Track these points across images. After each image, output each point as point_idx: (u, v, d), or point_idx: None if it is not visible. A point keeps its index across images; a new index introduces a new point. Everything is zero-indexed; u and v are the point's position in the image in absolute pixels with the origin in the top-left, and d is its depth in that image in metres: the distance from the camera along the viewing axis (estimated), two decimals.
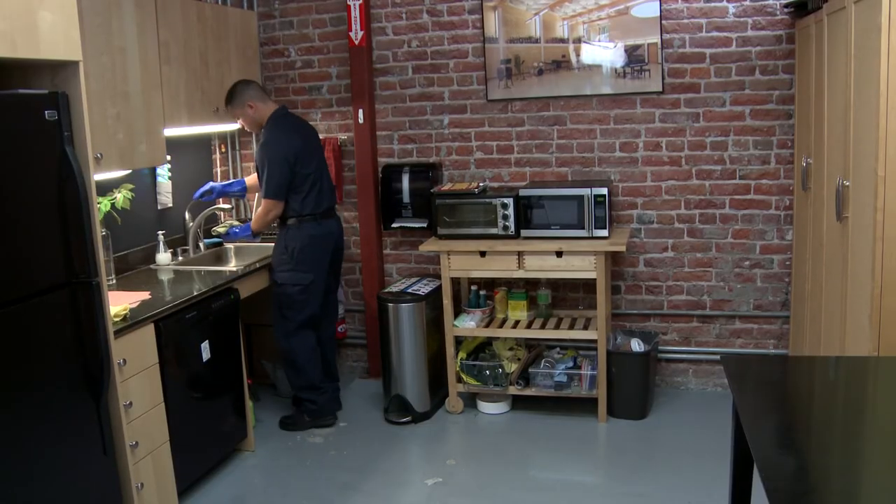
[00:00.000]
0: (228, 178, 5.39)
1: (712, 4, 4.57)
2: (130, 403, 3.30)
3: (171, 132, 4.26)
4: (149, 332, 3.48)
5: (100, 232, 3.16)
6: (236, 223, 4.75)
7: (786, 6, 4.40)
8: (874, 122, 2.76)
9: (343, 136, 5.26)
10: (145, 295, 3.75)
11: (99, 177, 3.50)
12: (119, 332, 3.24)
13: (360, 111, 5.09)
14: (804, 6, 4.06)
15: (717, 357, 4.76)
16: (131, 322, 3.35)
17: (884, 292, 2.79)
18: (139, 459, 3.36)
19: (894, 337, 2.79)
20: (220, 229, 4.71)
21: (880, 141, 2.73)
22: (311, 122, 5.32)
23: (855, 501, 1.85)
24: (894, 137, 2.72)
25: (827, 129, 3.60)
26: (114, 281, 4.01)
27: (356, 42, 5.04)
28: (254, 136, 5.41)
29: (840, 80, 3.31)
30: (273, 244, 4.56)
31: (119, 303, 3.45)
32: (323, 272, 4.52)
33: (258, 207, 4.60)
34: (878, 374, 2.60)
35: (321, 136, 5.24)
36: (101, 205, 3.88)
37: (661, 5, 4.62)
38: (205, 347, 3.88)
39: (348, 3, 5.01)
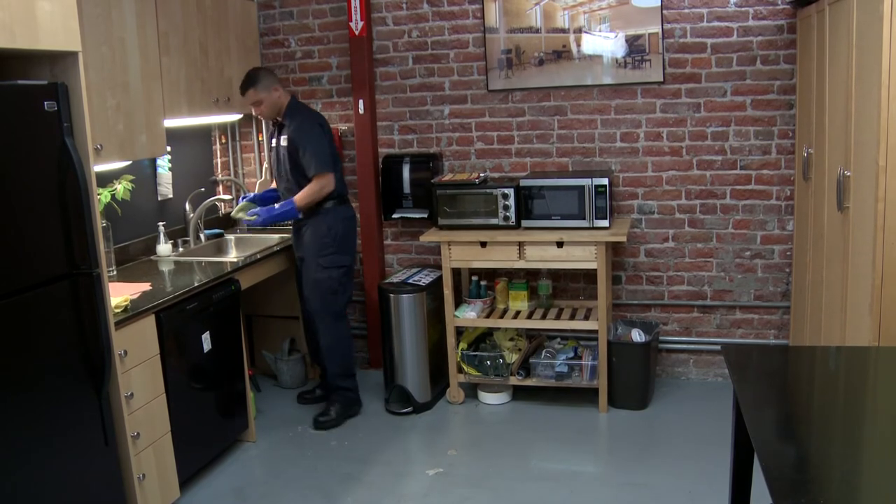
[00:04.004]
0: (228, 169, 5.39)
1: None
2: (132, 394, 3.31)
3: (170, 123, 4.26)
4: (150, 323, 3.48)
5: (100, 223, 3.16)
6: (253, 208, 4.48)
7: None
8: (875, 113, 2.76)
9: (343, 127, 5.25)
10: (146, 286, 3.75)
11: (99, 168, 3.50)
12: (120, 324, 3.24)
13: (361, 102, 5.08)
14: None
15: (718, 347, 4.76)
16: (132, 313, 3.35)
17: (884, 282, 2.80)
18: (140, 450, 3.37)
19: (894, 327, 2.79)
20: (241, 214, 4.50)
21: (881, 131, 2.73)
22: None
23: (855, 490, 1.85)
24: (895, 127, 2.71)
25: (828, 119, 3.60)
26: (114, 272, 4.01)
27: (356, 32, 5.03)
28: (255, 126, 5.41)
29: (841, 70, 3.30)
30: (293, 231, 4.57)
31: (120, 294, 3.46)
32: (354, 256, 4.65)
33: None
34: (878, 363, 2.60)
35: None
36: (102, 196, 3.87)
37: None
38: (206, 338, 3.88)
39: None
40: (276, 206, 4.40)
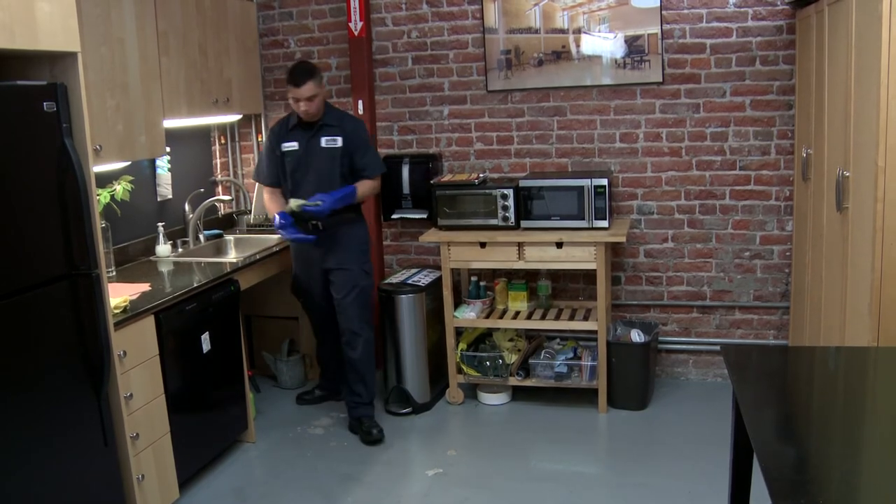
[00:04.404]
0: (227, 170, 5.39)
1: None
2: (131, 395, 3.30)
3: (170, 123, 4.26)
4: (149, 323, 3.48)
5: (99, 224, 3.16)
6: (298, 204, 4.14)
7: None
8: (874, 113, 2.76)
9: None
10: (145, 286, 3.75)
11: (98, 168, 3.50)
12: (119, 324, 3.24)
13: (360, 102, 5.09)
14: None
15: (717, 348, 4.76)
16: (131, 314, 3.35)
17: (884, 283, 2.80)
18: (140, 451, 3.37)
19: (894, 327, 2.79)
20: (299, 203, 4.11)
21: (880, 131, 2.73)
22: None
23: (854, 490, 1.85)
24: (894, 128, 2.72)
25: (827, 120, 3.60)
26: (114, 273, 4.01)
27: (356, 33, 5.03)
28: (255, 127, 5.41)
29: (840, 70, 3.31)
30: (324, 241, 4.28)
31: (119, 294, 3.45)
32: None
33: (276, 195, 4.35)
34: (877, 364, 2.60)
35: None
36: (101, 196, 3.87)
37: None
38: (205, 339, 3.88)
39: None
40: (338, 192, 4.17)
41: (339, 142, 4.22)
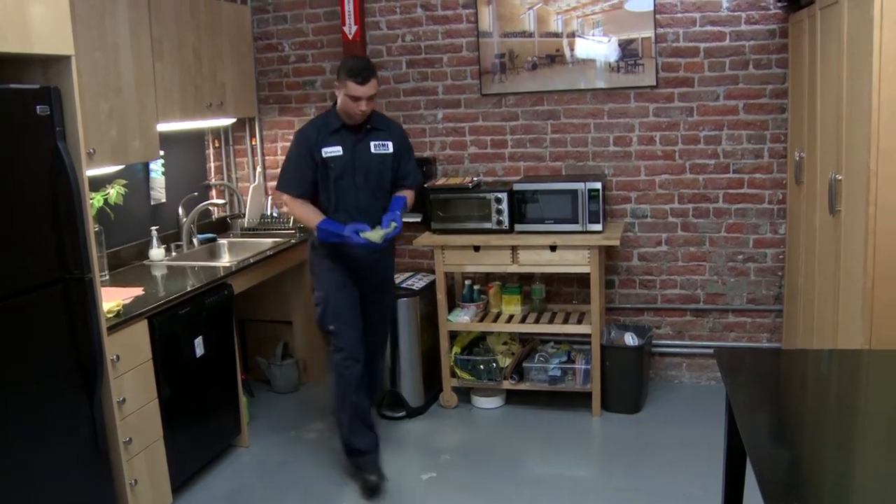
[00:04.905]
0: (221, 174, 5.38)
1: None
2: (124, 400, 3.29)
3: (164, 127, 4.25)
4: (142, 328, 3.47)
5: (92, 228, 3.15)
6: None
7: (779, 1, 4.39)
8: (866, 117, 2.77)
9: None
10: (138, 291, 3.75)
11: (91, 172, 3.51)
12: (112, 328, 3.23)
13: None
14: (797, 1, 4.06)
15: (711, 351, 4.77)
16: (124, 318, 3.34)
17: (875, 286, 2.80)
18: (133, 456, 3.36)
19: (886, 330, 2.80)
20: (381, 233, 3.72)
21: (872, 135, 2.74)
22: (304, 118, 5.32)
23: (847, 494, 1.85)
24: (886, 131, 2.73)
25: (820, 124, 3.61)
26: (107, 277, 4.01)
27: (350, 37, 5.03)
28: (248, 131, 5.40)
29: (833, 74, 3.32)
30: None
31: (112, 299, 3.45)
32: None
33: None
34: (870, 367, 2.61)
35: None
36: (94, 200, 3.87)
37: None
38: (198, 343, 3.87)
39: None
40: (395, 207, 3.90)
41: (390, 147, 3.90)
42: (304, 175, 3.82)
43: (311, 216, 3.83)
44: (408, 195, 4.02)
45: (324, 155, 3.79)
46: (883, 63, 2.70)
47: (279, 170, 3.98)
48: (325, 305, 3.90)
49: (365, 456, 3.92)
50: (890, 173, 2.74)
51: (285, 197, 3.88)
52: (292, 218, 5.15)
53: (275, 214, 5.35)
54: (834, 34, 3.28)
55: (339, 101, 3.77)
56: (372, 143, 3.87)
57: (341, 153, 3.81)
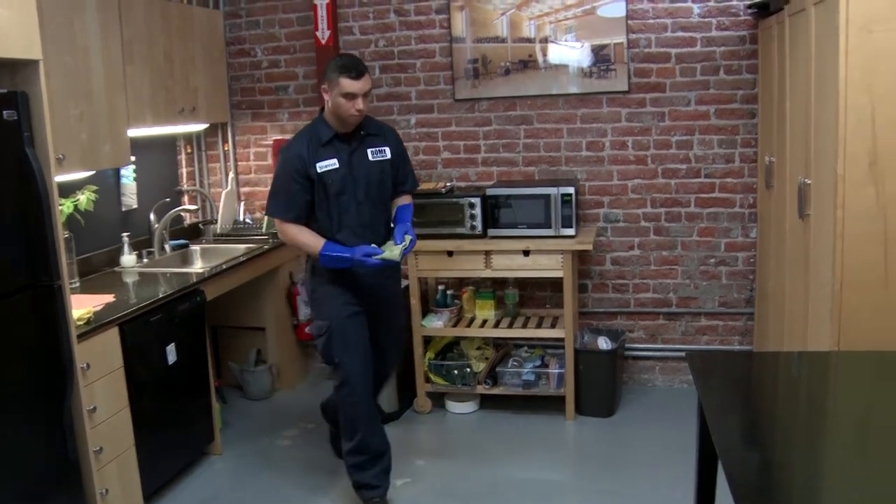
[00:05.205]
0: (194, 180, 5.34)
1: (677, 5, 4.61)
2: (94, 408, 3.26)
3: (135, 133, 4.22)
4: (113, 335, 3.44)
5: (62, 234, 3.12)
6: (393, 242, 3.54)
7: (749, 7, 4.45)
8: (834, 122, 2.80)
9: None
10: (109, 298, 3.71)
11: (61, 178, 3.46)
12: (82, 336, 3.20)
13: None
14: (766, 7, 4.11)
15: (683, 354, 4.80)
16: (95, 325, 3.31)
17: (843, 288, 2.84)
18: (104, 465, 3.32)
19: (854, 332, 2.83)
20: (397, 250, 3.45)
21: (840, 140, 2.77)
22: (277, 123, 5.32)
23: (817, 495, 1.87)
24: (853, 137, 2.76)
25: (789, 128, 3.65)
26: (77, 284, 3.96)
27: (323, 42, 5.02)
28: (221, 136, 5.37)
29: (801, 80, 3.36)
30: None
31: (82, 306, 3.41)
32: None
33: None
34: (838, 368, 2.64)
35: (288, 138, 5.23)
36: (64, 207, 3.82)
37: (627, 5, 4.65)
38: (170, 350, 3.84)
39: (315, 2, 4.98)
40: (404, 218, 3.66)
41: (388, 153, 3.59)
42: (296, 196, 3.45)
43: (310, 241, 3.46)
44: (409, 202, 3.77)
45: (319, 170, 3.42)
46: (849, 70, 2.73)
47: (268, 190, 3.61)
48: (330, 337, 3.55)
49: (375, 490, 3.68)
50: (857, 178, 2.78)
51: (277, 223, 3.55)
52: (265, 222, 5.14)
53: (247, 221, 5.32)
54: (802, 41, 3.32)
55: (328, 106, 3.44)
56: (369, 151, 3.54)
57: (338, 166, 3.45)
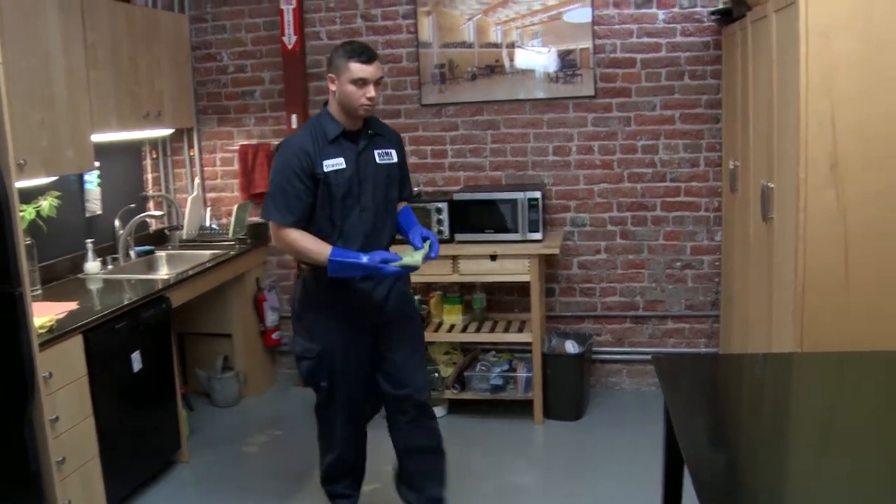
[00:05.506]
0: (159, 185, 5.29)
1: (643, 11, 4.65)
2: (57, 418, 3.20)
3: (99, 138, 4.17)
4: (77, 343, 3.39)
5: (23, 241, 3.06)
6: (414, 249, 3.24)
7: (713, 14, 4.50)
8: (795, 127, 2.84)
9: (276, 142, 5.19)
10: (73, 305, 3.66)
11: (22, 184, 3.41)
12: (45, 344, 3.14)
13: (294, 116, 5.04)
14: (730, 14, 4.16)
15: (650, 357, 4.83)
16: (58, 333, 3.25)
17: (806, 290, 2.88)
18: (66, 475, 3.26)
19: (816, 333, 2.87)
20: (417, 257, 3.12)
21: (801, 144, 2.81)
22: (243, 129, 5.28)
23: (782, 496, 1.89)
24: (815, 141, 2.80)
25: (752, 133, 3.69)
26: (39, 291, 3.90)
27: (289, 47, 5.00)
28: (186, 142, 5.32)
29: (764, 85, 3.40)
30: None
31: (45, 314, 3.35)
32: None
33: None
34: (801, 369, 2.67)
35: (254, 143, 5.20)
36: (25, 213, 3.77)
37: (593, 11, 4.68)
38: (136, 358, 3.79)
39: (281, 7, 4.96)
40: (411, 220, 3.38)
41: (394, 156, 3.28)
42: (298, 198, 3.07)
43: (315, 248, 3.07)
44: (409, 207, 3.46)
45: (325, 170, 3.08)
46: (810, 75, 2.77)
47: (265, 196, 3.22)
48: (319, 363, 3.23)
49: (346, 500, 3.47)
50: (818, 181, 2.82)
51: (274, 228, 3.14)
52: (231, 228, 5.09)
53: (214, 226, 5.28)
54: (764, 47, 3.37)
55: (334, 97, 3.11)
56: (376, 153, 3.21)
57: (344, 166, 3.11)
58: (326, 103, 3.19)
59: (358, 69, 3.02)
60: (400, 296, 3.31)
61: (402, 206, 3.41)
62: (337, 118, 3.14)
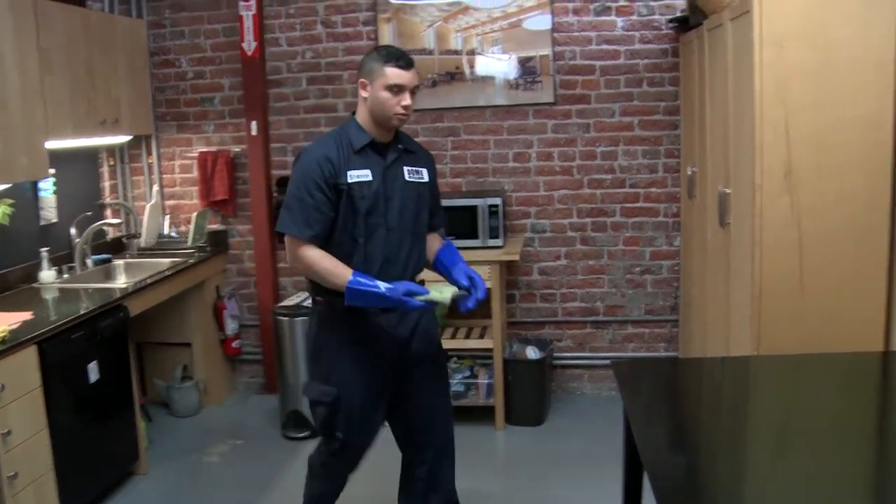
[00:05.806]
0: (116, 192, 5.21)
1: (602, 18, 4.70)
2: (9, 431, 3.13)
3: (54, 144, 4.10)
4: (31, 354, 3.32)
5: None
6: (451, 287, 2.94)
7: (670, 21, 4.55)
8: (750, 134, 2.89)
9: (236, 149, 5.16)
10: (27, 315, 3.59)
11: None
12: None
13: (254, 123, 5.01)
14: (687, 22, 4.22)
15: (610, 362, 4.87)
16: (11, 344, 3.18)
17: (762, 294, 2.92)
18: (19, 490, 3.19)
19: (772, 337, 2.92)
20: (448, 295, 2.85)
21: (756, 151, 2.86)
22: (203, 135, 5.23)
23: (740, 498, 1.91)
24: (770, 148, 2.85)
25: (709, 140, 3.74)
26: None
27: (249, 53, 4.96)
28: (145, 149, 5.25)
29: (720, 93, 3.45)
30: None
31: None
32: None
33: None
34: (758, 372, 2.71)
35: (214, 150, 5.15)
36: None
37: (552, 18, 4.72)
38: (92, 368, 3.73)
39: (241, 13, 4.93)
40: (455, 255, 3.04)
41: (426, 176, 2.97)
42: (318, 210, 2.78)
43: (335, 270, 2.77)
44: (448, 243, 3.12)
45: (350, 181, 2.79)
46: (764, 84, 2.82)
47: (280, 209, 2.89)
48: (336, 409, 2.93)
49: None
50: (773, 189, 2.87)
51: (290, 243, 2.84)
52: (191, 236, 5.04)
53: (173, 234, 5.22)
54: (720, 55, 3.42)
55: (365, 104, 2.84)
56: (406, 169, 2.91)
57: (371, 179, 2.82)
58: (354, 112, 2.93)
59: (395, 74, 2.76)
60: (426, 334, 3.02)
61: (437, 240, 3.11)
62: (366, 128, 2.86)
